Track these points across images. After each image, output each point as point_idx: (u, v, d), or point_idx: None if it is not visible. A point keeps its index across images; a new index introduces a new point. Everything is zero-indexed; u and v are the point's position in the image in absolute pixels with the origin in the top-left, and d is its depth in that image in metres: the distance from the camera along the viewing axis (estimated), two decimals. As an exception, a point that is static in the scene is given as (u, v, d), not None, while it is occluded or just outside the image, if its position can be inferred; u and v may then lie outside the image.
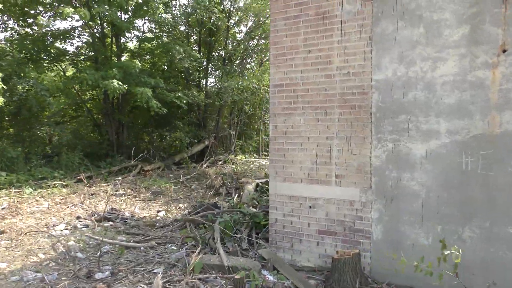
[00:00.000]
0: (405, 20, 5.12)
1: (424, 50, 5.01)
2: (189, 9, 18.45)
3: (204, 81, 21.07)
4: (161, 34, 18.01)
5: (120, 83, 14.07)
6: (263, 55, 23.71)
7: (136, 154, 18.31)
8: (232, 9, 20.67)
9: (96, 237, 7.03)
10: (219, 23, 20.15)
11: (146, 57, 19.17)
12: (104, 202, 10.79)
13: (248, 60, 23.17)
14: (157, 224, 8.30)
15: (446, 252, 3.34)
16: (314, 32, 5.76)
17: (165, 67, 19.47)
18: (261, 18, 21.57)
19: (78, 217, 8.67)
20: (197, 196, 10.90)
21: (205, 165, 18.74)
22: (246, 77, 20.60)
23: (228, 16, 20.40)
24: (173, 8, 18.40)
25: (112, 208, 9.24)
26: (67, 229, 7.86)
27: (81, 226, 7.98)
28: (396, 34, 5.18)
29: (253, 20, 21.93)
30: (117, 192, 11.84)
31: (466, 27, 4.77)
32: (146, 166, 16.37)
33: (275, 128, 6.14)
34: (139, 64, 14.74)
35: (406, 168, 5.16)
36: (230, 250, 6.11)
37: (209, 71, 21.03)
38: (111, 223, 8.26)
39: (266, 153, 26.26)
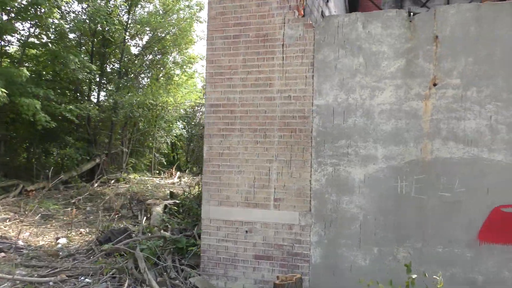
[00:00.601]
0: (346, 49, 5.34)
1: (363, 79, 5.26)
2: (84, 16, 17.18)
3: (96, 94, 19.71)
4: (51, 40, 16.38)
5: (4, 90, 12.39)
6: (161, 71, 23.05)
7: (16, 172, 16.26)
8: (129, 21, 19.79)
9: (-11, 273, 5.94)
10: (116, 34, 19.10)
11: (28, 64, 17.25)
12: (-16, 229, 9.27)
13: (142, 75, 22.29)
14: (61, 253, 7.34)
15: (414, 276, 3.45)
16: (254, 54, 5.70)
17: (50, 76, 17.68)
18: (159, 33, 20.99)
19: (-41, 248, 7.28)
20: (101, 220, 9.95)
21: (96, 184, 17.38)
22: (142, 93, 19.73)
23: (126, 28, 19.48)
24: (66, 14, 16.93)
25: (0, 236, 7.95)
26: None
27: (-35, 260, 6.71)
28: (337, 62, 5.36)
29: (150, 34, 21.24)
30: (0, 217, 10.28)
31: (402, 61, 5.14)
32: (29, 185, 14.59)
33: (210, 150, 5.88)
34: (27, 72, 13.17)
35: (345, 191, 5.30)
36: (159, 281, 5.62)
37: (101, 84, 19.72)
38: (2, 254, 7.07)
39: (157, 171, 25.37)
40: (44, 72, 17.23)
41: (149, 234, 7.74)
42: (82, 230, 9.39)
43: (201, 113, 30.73)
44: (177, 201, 10.93)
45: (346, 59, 5.33)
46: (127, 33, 19.67)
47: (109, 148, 19.69)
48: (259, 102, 5.67)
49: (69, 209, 12.84)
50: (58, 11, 14.95)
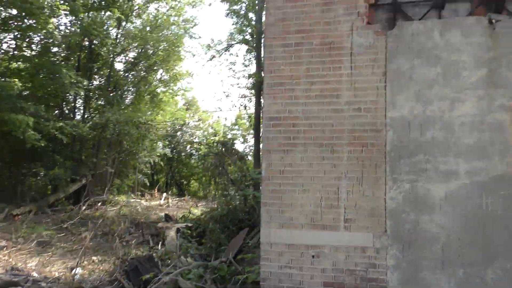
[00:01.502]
0: (422, 59, 5.04)
1: (442, 90, 4.96)
2: (72, 29, 16.41)
3: (82, 111, 18.77)
4: (37, 53, 15.50)
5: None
6: (146, 89, 22.30)
7: (-1, 194, 15.12)
8: (118, 35, 19.12)
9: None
10: (103, 48, 18.35)
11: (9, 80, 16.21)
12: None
13: (128, 92, 21.48)
14: (85, 286, 6.57)
15: None
16: (319, 63, 5.32)
17: (34, 92, 16.65)
18: (148, 49, 20.36)
19: (-35, 282, 6.39)
20: (117, 246, 9.12)
21: (84, 207, 16.37)
22: (131, 110, 18.93)
23: (116, 43, 18.77)
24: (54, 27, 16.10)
25: (12, 268, 7.09)
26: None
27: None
28: (412, 72, 5.05)
29: (138, 51, 20.57)
30: (-4, 245, 9.32)
31: (484, 70, 4.88)
32: (14, 209, 13.50)
33: (270, 167, 5.39)
34: (19, 84, 12.29)
35: (424, 210, 4.92)
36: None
37: (87, 100, 18.83)
38: (19, 288, 6.25)
39: (140, 193, 24.43)
40: (26, 87, 16.22)
41: (182, 262, 7.08)
42: (94, 258, 8.57)
43: (181, 132, 30.06)
44: (189, 224, 10.25)
45: (422, 68, 5.03)
46: (117, 47, 18.93)
47: (95, 168, 18.71)
48: (325, 115, 5.26)
49: (63, 234, 11.93)
50: (54, 20, 14.14)
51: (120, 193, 21.67)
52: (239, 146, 31.96)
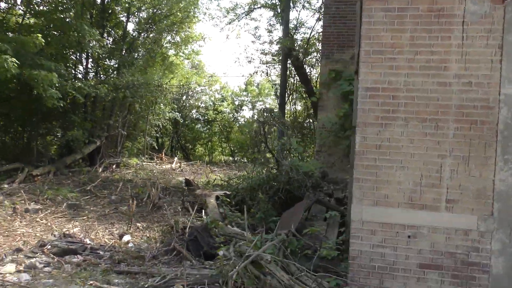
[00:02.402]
0: (544, 31, 4.64)
1: None
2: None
3: (95, 72, 18.04)
4: (54, 8, 14.65)
5: (15, 61, 10.80)
6: (157, 51, 21.46)
7: (15, 154, 14.63)
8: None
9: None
10: (117, 7, 17.46)
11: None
12: (24, 222, 7.98)
13: (144, 52, 20.64)
14: (145, 255, 6.28)
15: None
16: (425, 31, 4.89)
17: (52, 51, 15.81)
18: (163, 9, 19.45)
19: (19, 250, 6.06)
20: (169, 216, 8.76)
21: (100, 169, 16.01)
22: (146, 72, 18.24)
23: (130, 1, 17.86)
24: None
25: (64, 234, 6.75)
26: (20, 271, 5.33)
27: (42, 265, 5.53)
28: (532, 45, 4.66)
29: (155, 10, 19.64)
30: (30, 207, 8.94)
31: None
32: (34, 170, 13.06)
33: (364, 141, 5.05)
34: (41, 40, 11.58)
35: (535, 194, 4.66)
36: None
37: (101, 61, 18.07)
38: (79, 257, 5.93)
39: (148, 156, 24.03)
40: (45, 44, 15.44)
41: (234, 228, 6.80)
42: (138, 224, 8.26)
43: (187, 96, 29.42)
44: (228, 192, 9.96)
45: (544, 42, 4.64)
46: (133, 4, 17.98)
47: (109, 130, 18.19)
48: (430, 88, 4.88)
49: (88, 197, 11.59)
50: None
51: (130, 155, 21.27)
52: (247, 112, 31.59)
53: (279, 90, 15.29)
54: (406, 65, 4.94)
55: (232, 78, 56.79)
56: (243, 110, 29.01)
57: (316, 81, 16.37)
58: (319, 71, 15.79)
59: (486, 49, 4.75)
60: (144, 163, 20.02)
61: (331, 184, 9.96)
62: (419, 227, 4.89)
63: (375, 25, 5.02)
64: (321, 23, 16.08)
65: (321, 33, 14.62)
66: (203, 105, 30.73)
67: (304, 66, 16.03)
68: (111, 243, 6.86)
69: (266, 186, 9.37)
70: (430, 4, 4.88)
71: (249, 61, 18.62)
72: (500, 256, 4.72)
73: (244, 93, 29.24)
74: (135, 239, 7.37)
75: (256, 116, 9.12)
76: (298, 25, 16.20)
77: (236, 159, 30.64)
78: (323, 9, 12.59)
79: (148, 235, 7.74)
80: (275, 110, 11.65)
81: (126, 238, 7.22)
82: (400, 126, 4.95)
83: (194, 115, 31.04)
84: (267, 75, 18.90)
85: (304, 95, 17.89)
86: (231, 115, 29.27)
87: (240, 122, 29.35)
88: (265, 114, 9.19)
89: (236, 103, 29.81)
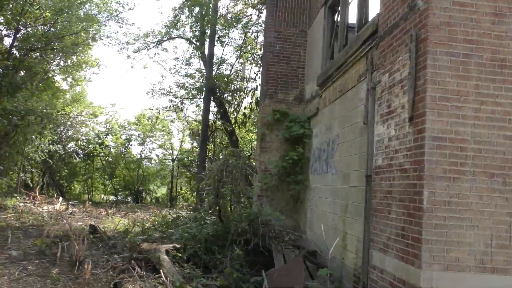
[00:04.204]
0: None
1: None
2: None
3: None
4: None
5: None
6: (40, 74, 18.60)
7: None
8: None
9: None
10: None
11: None
12: None
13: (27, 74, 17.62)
14: None
15: None
16: (489, 80, 4.64)
17: None
18: (59, 28, 17.01)
19: None
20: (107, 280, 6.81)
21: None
22: (35, 99, 15.47)
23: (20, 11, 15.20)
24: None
25: None
26: None
27: None
28: None
29: (46, 28, 17.04)
30: None
31: None
32: None
33: (433, 196, 4.49)
34: None
35: None
36: None
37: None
38: None
39: (21, 195, 20.42)
40: None
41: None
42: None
43: (65, 127, 26.26)
44: (177, 245, 8.45)
45: None
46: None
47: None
48: (496, 141, 4.59)
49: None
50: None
51: (1, 195, 17.68)
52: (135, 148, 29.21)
53: (200, 127, 14.19)
54: (472, 115, 4.60)
55: (129, 110, 52.88)
56: (131, 145, 26.79)
57: (238, 120, 15.67)
58: (242, 110, 15.19)
59: (547, 104, 4.66)
60: (22, 203, 16.78)
61: (290, 233, 9.20)
62: (490, 292, 4.44)
63: (441, 70, 4.61)
64: (241, 60, 15.64)
65: (259, 72, 14.13)
66: (83, 137, 27.70)
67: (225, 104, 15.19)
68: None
69: (237, 238, 8.18)
70: (493, 53, 4.67)
71: (165, 94, 17.12)
72: None
73: (133, 127, 27.11)
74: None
75: (222, 157, 8.10)
76: (219, 61, 15.55)
77: (118, 198, 28.00)
78: (264, 46, 12.13)
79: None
80: (245, 156, 10.61)
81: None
82: (468, 181, 4.53)
83: (72, 148, 27.78)
84: (181, 111, 17.57)
85: (225, 133, 16.98)
86: (117, 150, 26.77)
87: (127, 158, 27.04)
88: (234, 157, 8.13)
89: (123, 137, 27.47)
